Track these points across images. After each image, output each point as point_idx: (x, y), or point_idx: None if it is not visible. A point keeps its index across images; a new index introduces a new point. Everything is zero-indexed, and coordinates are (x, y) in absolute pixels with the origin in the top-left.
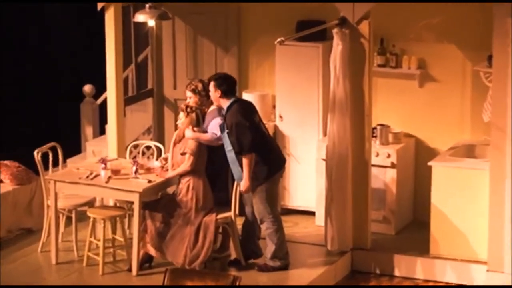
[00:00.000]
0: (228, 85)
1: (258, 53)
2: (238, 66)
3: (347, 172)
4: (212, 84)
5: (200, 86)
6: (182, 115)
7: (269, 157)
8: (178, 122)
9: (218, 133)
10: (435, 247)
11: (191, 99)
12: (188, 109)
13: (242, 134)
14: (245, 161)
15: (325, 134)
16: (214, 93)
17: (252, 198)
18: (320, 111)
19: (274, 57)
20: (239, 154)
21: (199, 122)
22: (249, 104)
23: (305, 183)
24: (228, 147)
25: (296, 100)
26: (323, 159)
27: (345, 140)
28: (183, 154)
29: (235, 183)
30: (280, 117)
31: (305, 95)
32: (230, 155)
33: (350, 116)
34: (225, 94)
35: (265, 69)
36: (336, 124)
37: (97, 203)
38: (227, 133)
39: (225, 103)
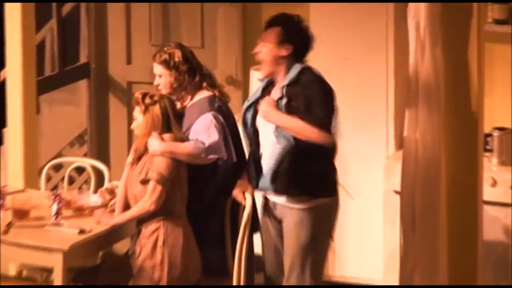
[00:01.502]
0: (309, 44)
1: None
2: (243, 25)
3: (439, 215)
4: (277, 30)
5: (178, 54)
6: (137, 111)
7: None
8: (133, 125)
9: (209, 141)
10: None
11: (163, 79)
12: (147, 100)
13: (329, 102)
14: (322, 134)
15: (399, 146)
16: (274, 47)
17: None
18: (391, 104)
19: (307, 9)
20: (323, 127)
21: (169, 123)
22: None
23: (366, 235)
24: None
25: (347, 86)
26: (396, 192)
27: (435, 157)
28: (144, 182)
29: (241, 231)
30: None
31: (364, 76)
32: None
33: (444, 114)
34: (297, 55)
35: None
36: (420, 128)
37: None
38: (287, 105)
39: (285, 71)
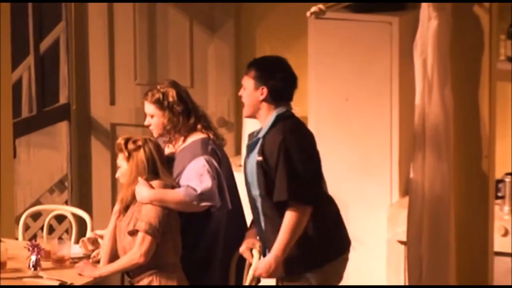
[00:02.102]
0: (286, 83)
1: (275, 33)
2: (236, 60)
3: (447, 267)
4: (252, 73)
5: (172, 94)
6: (121, 158)
7: (330, 227)
8: (118, 174)
9: (202, 187)
10: None
11: (155, 119)
12: (130, 146)
13: (299, 164)
14: (290, 216)
15: (404, 193)
16: (251, 91)
17: None
18: (395, 148)
19: (305, 43)
20: (283, 201)
21: (156, 169)
22: (309, 132)
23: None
24: (254, 189)
25: (347, 128)
26: (401, 242)
27: (443, 206)
28: (133, 233)
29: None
30: None
31: (366, 118)
32: (258, 205)
33: (452, 159)
34: (276, 97)
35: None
36: (428, 173)
37: None
38: (259, 162)
39: (267, 114)
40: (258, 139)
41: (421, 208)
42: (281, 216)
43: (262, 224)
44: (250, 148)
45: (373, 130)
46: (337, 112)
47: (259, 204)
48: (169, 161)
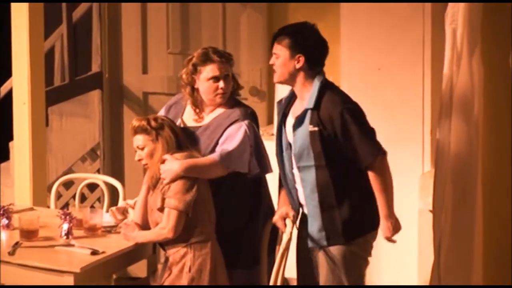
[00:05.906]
0: (321, 49)
1: (307, 2)
2: (268, 29)
3: (473, 236)
4: (285, 42)
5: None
6: (143, 140)
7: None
8: (140, 156)
9: (232, 146)
10: None
11: (227, 83)
12: (155, 124)
13: (367, 125)
14: (380, 170)
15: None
16: (286, 60)
17: (331, 261)
18: (427, 118)
19: (337, 12)
20: (369, 164)
21: (179, 141)
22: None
23: (400, 257)
24: (305, 161)
25: (379, 98)
26: (432, 211)
27: (471, 172)
28: (161, 209)
29: (279, 257)
30: None
31: (398, 87)
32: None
33: (481, 129)
34: (313, 64)
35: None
36: (453, 143)
37: None
38: (314, 133)
39: (304, 82)
40: (306, 111)
41: (445, 176)
42: (335, 185)
43: (311, 196)
44: (299, 122)
45: (406, 100)
46: (370, 82)
47: (310, 176)
48: (205, 129)
